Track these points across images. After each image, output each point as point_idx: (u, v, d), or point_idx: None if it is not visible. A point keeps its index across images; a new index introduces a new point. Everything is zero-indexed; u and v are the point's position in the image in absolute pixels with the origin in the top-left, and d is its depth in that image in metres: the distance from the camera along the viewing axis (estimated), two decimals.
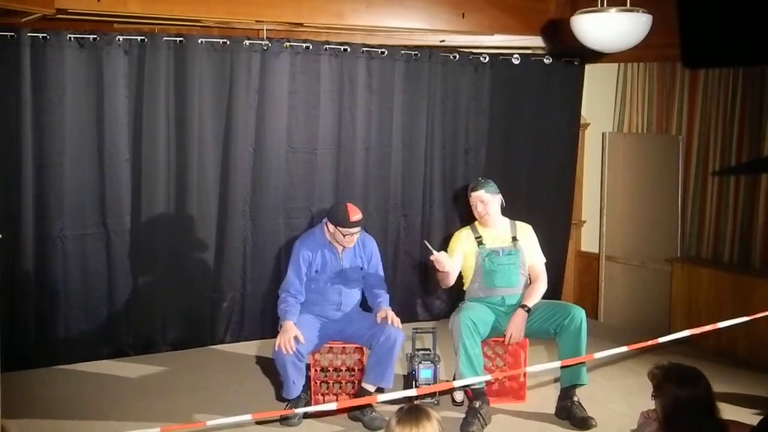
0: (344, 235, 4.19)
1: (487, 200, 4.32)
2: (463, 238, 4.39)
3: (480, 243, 4.34)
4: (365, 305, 4.49)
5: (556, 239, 6.13)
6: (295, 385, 4.06)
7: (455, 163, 6.06)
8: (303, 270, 4.25)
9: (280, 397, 4.14)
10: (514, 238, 4.37)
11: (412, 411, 2.40)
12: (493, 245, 4.33)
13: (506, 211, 4.54)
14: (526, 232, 4.43)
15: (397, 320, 4.16)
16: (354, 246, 4.33)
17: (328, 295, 4.30)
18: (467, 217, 4.58)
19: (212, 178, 5.28)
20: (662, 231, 5.97)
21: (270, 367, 4.96)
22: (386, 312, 4.18)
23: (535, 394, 4.51)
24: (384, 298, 4.34)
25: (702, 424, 2.56)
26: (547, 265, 4.48)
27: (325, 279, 4.28)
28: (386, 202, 5.85)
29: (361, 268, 4.37)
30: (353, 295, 4.38)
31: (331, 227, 4.23)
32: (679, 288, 5.66)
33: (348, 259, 4.32)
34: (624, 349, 3.76)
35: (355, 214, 4.18)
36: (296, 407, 4.00)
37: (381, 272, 4.46)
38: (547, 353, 5.09)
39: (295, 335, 3.98)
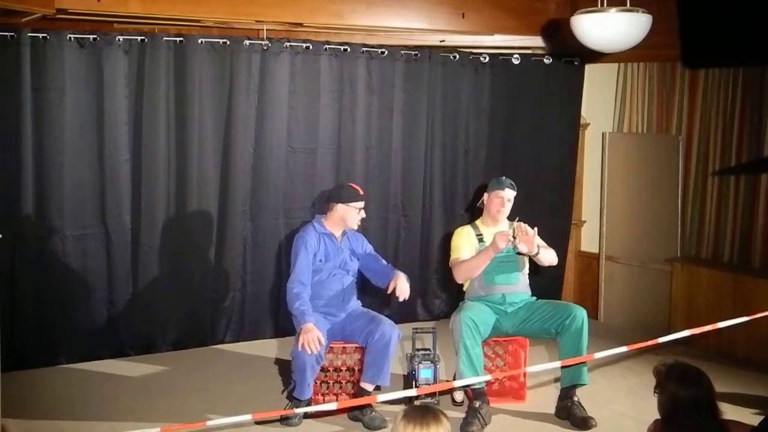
0: (358, 210, 4.29)
1: (512, 201, 4.38)
2: (465, 234, 4.40)
3: (480, 240, 4.35)
4: (363, 302, 4.50)
5: (556, 239, 6.11)
6: (309, 387, 4.05)
7: (455, 163, 6.06)
8: (310, 259, 4.25)
9: (290, 396, 4.13)
10: (513, 237, 4.37)
11: (419, 410, 2.38)
12: None
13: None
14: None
15: (405, 290, 4.16)
16: (349, 241, 4.38)
17: (331, 286, 4.30)
18: (467, 217, 4.59)
19: (212, 178, 5.29)
20: (662, 231, 5.97)
21: (270, 367, 4.97)
22: (397, 280, 4.19)
23: (535, 394, 4.51)
24: (395, 271, 4.34)
25: (701, 424, 2.56)
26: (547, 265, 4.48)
27: (328, 268, 4.29)
28: (386, 202, 5.85)
29: (358, 258, 4.41)
30: (352, 286, 4.40)
31: (340, 209, 4.27)
32: (679, 288, 5.66)
33: (346, 248, 4.36)
34: (624, 349, 3.76)
35: (360, 189, 4.38)
36: (296, 407, 4.00)
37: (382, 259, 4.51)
38: (547, 353, 5.10)
39: (318, 336, 3.95)
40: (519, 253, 4.28)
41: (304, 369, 3.98)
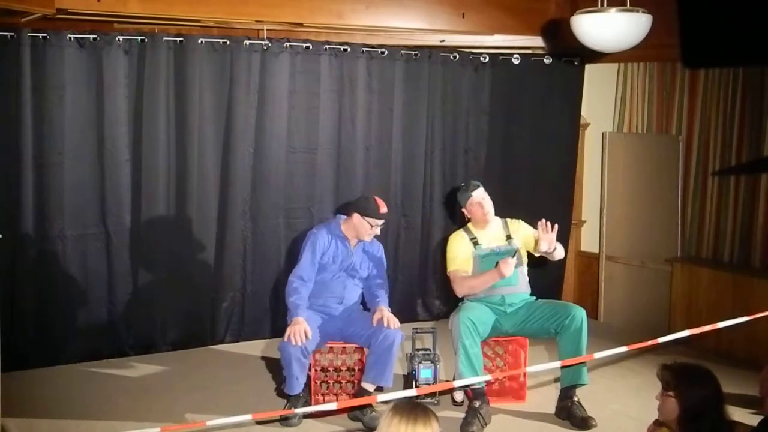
0: (371, 227, 4.25)
1: (486, 197, 4.36)
2: (459, 241, 4.38)
3: (476, 244, 4.34)
4: (365, 304, 4.50)
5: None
6: (297, 382, 4.06)
7: (455, 163, 6.06)
8: (317, 257, 4.26)
9: (281, 393, 4.14)
10: (509, 237, 4.36)
11: (409, 405, 2.38)
12: (490, 245, 4.33)
13: (505, 211, 4.55)
14: (518, 227, 4.43)
15: (393, 321, 4.16)
16: (365, 245, 4.36)
17: (332, 287, 4.30)
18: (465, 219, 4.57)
19: (212, 178, 5.28)
20: (662, 231, 5.97)
21: (270, 367, 4.97)
22: (382, 312, 4.19)
23: (535, 394, 4.51)
24: (383, 297, 4.35)
25: (711, 424, 2.56)
26: (547, 266, 4.48)
27: (333, 270, 4.30)
28: (386, 202, 5.79)
29: (368, 268, 4.40)
30: (356, 292, 4.40)
31: (356, 219, 4.26)
32: (679, 288, 5.66)
33: (358, 256, 4.35)
34: (624, 349, 3.75)
35: (383, 207, 4.29)
36: (296, 407, 4.01)
37: (385, 277, 4.48)
38: (547, 353, 5.09)
39: (305, 329, 3.98)
40: (540, 253, 4.26)
41: (289, 361, 4.00)
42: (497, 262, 4.21)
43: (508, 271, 4.15)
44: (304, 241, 4.36)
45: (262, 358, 5.18)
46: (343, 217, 4.38)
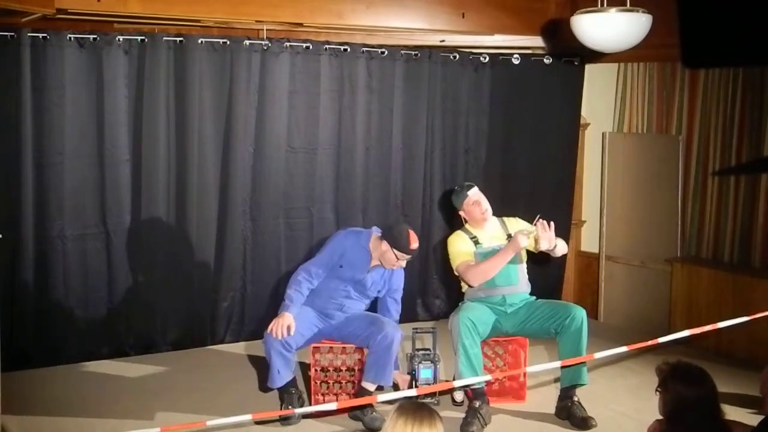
0: (398, 259, 4.18)
1: (482, 196, 4.37)
2: (461, 239, 4.36)
3: (477, 243, 4.33)
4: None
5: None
6: (279, 375, 4.06)
7: (455, 163, 6.06)
8: (334, 258, 4.23)
9: (264, 387, 4.14)
10: (509, 236, 4.35)
11: (413, 405, 2.39)
12: (490, 244, 4.32)
13: (505, 211, 4.54)
14: (517, 225, 4.41)
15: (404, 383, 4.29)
16: (384, 270, 4.32)
17: (335, 294, 4.27)
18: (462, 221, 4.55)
19: (212, 178, 5.28)
20: (662, 231, 5.97)
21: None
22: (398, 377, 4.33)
23: (535, 394, 4.51)
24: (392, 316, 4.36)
25: (705, 424, 2.56)
26: (547, 265, 4.47)
27: (342, 278, 4.25)
28: (386, 202, 5.85)
29: (379, 291, 4.36)
30: (358, 306, 4.35)
31: (385, 246, 4.17)
32: (679, 288, 5.66)
33: (372, 278, 4.29)
34: (624, 349, 3.76)
35: (415, 242, 4.18)
36: (293, 406, 4.01)
37: (398, 306, 4.45)
38: (547, 353, 5.09)
39: (288, 324, 3.99)
40: (540, 251, 4.27)
41: (269, 352, 4.02)
42: (509, 236, 4.20)
43: (524, 242, 4.13)
44: (331, 237, 4.36)
45: (262, 358, 5.17)
46: (379, 232, 4.29)
